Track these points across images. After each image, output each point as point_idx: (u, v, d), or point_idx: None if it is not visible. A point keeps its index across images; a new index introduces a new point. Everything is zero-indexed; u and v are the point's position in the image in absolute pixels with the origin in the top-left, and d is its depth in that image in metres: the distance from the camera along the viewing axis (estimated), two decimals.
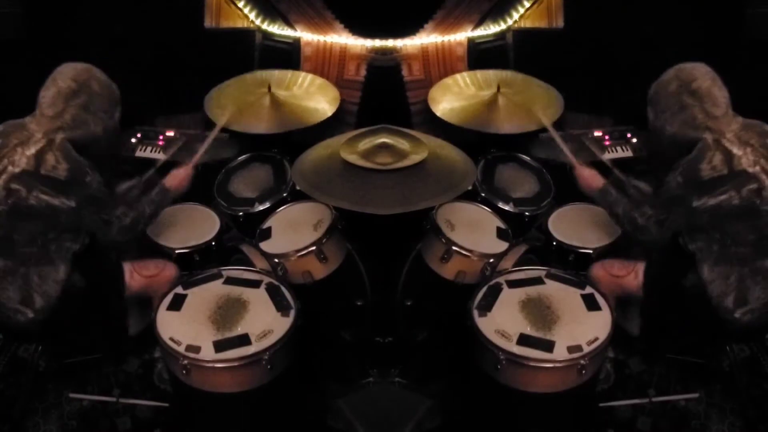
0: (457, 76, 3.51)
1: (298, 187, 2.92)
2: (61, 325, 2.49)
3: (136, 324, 2.82)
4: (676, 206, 2.38)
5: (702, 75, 2.41)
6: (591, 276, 2.61)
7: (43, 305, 2.40)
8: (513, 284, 2.55)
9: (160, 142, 3.41)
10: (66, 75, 2.43)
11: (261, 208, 3.01)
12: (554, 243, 2.80)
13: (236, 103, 3.22)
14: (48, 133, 2.36)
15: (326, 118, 3.20)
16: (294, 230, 2.85)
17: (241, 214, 3.00)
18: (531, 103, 3.23)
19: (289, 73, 3.49)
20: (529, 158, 3.26)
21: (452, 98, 3.34)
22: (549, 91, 3.36)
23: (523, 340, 2.32)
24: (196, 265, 2.74)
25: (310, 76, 3.49)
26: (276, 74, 3.46)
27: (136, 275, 2.57)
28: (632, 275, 2.56)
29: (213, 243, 2.81)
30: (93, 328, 2.79)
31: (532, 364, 2.28)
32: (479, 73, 3.50)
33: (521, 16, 3.67)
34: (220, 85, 3.37)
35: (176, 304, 2.46)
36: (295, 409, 2.59)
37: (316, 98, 3.33)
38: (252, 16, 3.65)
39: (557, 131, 2.95)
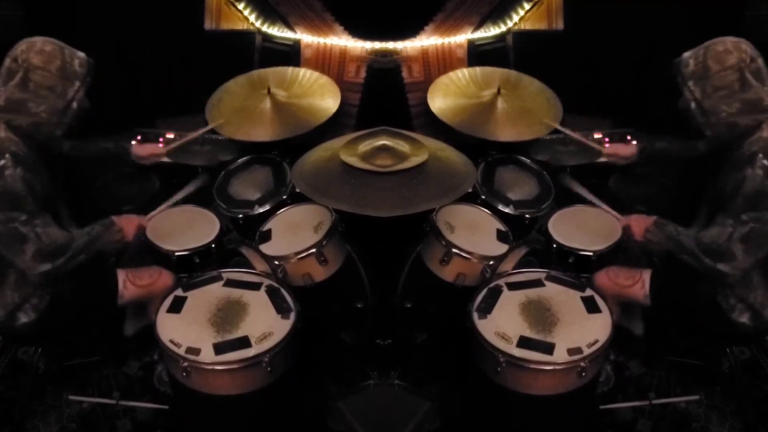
0: (457, 72, 3.50)
1: (297, 189, 2.92)
2: (55, 330, 2.49)
3: (132, 324, 2.82)
4: (760, 206, 2.14)
5: (758, 53, 2.24)
6: (595, 285, 2.58)
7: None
8: (513, 286, 2.55)
9: (160, 144, 3.41)
10: (9, 52, 2.26)
11: (261, 210, 3.01)
12: (554, 245, 2.80)
13: (236, 109, 3.22)
14: None
15: (327, 120, 3.19)
16: (294, 233, 2.85)
17: (240, 216, 3.00)
18: (530, 107, 3.23)
19: (288, 71, 3.48)
20: (529, 160, 3.26)
21: (451, 97, 3.33)
22: (547, 93, 3.36)
23: (523, 342, 2.32)
24: (195, 268, 2.74)
25: (309, 72, 3.48)
26: (276, 72, 3.45)
27: (129, 285, 2.50)
28: (638, 285, 2.51)
29: (213, 245, 2.80)
30: (90, 331, 2.79)
31: (532, 366, 2.28)
32: (479, 70, 3.49)
33: (521, 18, 3.67)
34: (221, 88, 3.36)
35: (176, 306, 2.45)
36: (295, 411, 2.59)
37: (317, 96, 3.32)
38: (252, 18, 3.66)
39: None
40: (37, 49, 2.26)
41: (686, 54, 2.33)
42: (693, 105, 2.29)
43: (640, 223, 2.52)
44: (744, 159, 2.19)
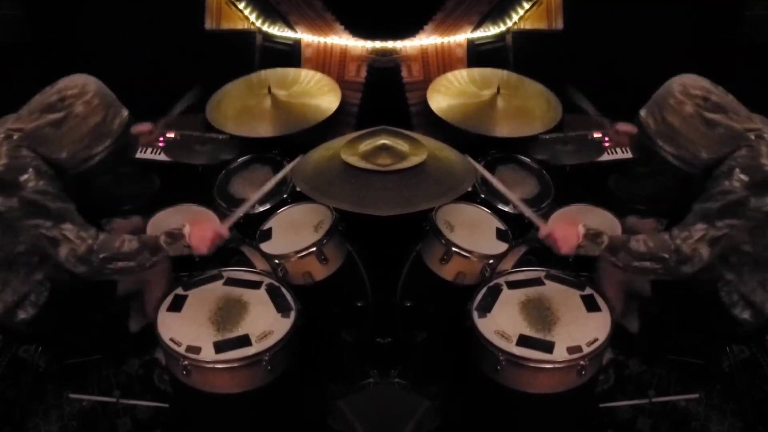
0: (456, 73, 3.50)
1: (298, 188, 2.92)
2: (54, 325, 2.49)
3: (137, 321, 2.82)
4: (736, 215, 2.18)
5: (710, 86, 2.28)
6: (600, 267, 2.55)
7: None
8: (512, 285, 2.55)
9: (161, 144, 3.42)
10: (58, 85, 2.31)
11: (261, 209, 3.01)
12: None
13: (237, 109, 3.22)
14: (9, 131, 2.27)
15: (327, 118, 3.19)
16: (294, 231, 2.86)
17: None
18: (530, 107, 3.23)
19: (290, 72, 3.49)
20: (529, 160, 3.27)
21: (451, 96, 3.34)
22: (547, 93, 3.36)
23: (523, 341, 2.32)
24: (196, 266, 2.74)
25: (311, 73, 3.49)
26: (277, 73, 3.46)
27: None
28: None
29: None
30: (90, 330, 2.79)
31: (531, 365, 2.28)
32: (476, 72, 3.50)
33: (521, 18, 3.68)
34: (222, 88, 3.36)
35: (176, 305, 2.46)
36: (296, 409, 2.60)
37: (317, 96, 3.32)
38: (252, 17, 3.66)
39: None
40: (86, 99, 2.27)
41: (641, 113, 2.36)
42: (671, 159, 2.31)
43: (567, 238, 2.35)
44: (722, 173, 2.23)
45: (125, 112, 2.39)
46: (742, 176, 2.19)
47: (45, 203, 2.23)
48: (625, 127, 2.72)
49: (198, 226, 2.37)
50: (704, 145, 2.25)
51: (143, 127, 2.72)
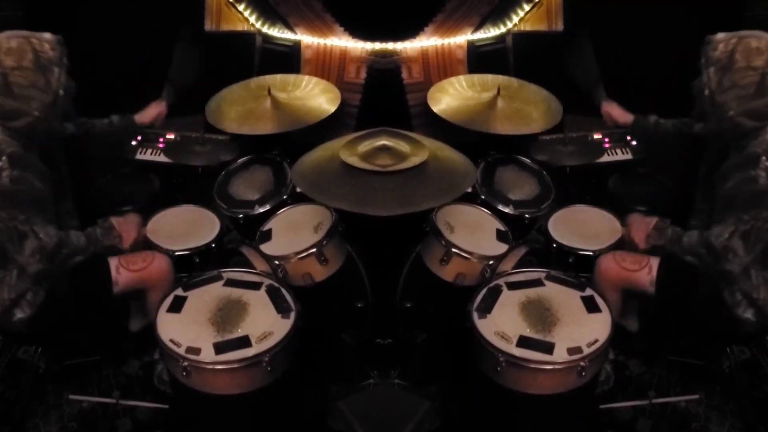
0: (455, 79, 3.50)
1: (298, 189, 2.92)
2: (52, 326, 2.48)
3: (137, 320, 2.82)
4: (761, 206, 2.17)
5: None
6: (599, 268, 2.56)
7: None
8: (513, 286, 2.55)
9: (161, 145, 3.42)
10: None
11: (261, 210, 3.01)
12: (554, 245, 2.80)
13: (237, 109, 3.22)
14: None
15: (326, 118, 3.19)
16: (294, 232, 2.86)
17: (241, 216, 3.01)
18: (529, 110, 3.23)
19: (291, 78, 3.49)
20: (528, 160, 3.27)
21: (451, 98, 3.34)
22: (547, 97, 3.36)
23: (523, 342, 2.32)
24: (196, 267, 2.75)
25: (312, 80, 3.49)
26: (277, 78, 3.46)
27: (123, 270, 2.48)
28: (645, 270, 2.48)
29: (213, 245, 2.81)
30: (89, 330, 2.79)
31: (532, 366, 2.28)
32: (476, 77, 3.50)
33: (521, 19, 3.68)
34: (221, 92, 3.36)
35: (176, 306, 2.46)
36: (296, 410, 2.59)
37: (316, 98, 3.32)
38: (252, 19, 3.66)
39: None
40: (5, 50, 2.21)
41: (718, 36, 2.28)
42: (707, 92, 2.27)
43: (640, 232, 2.53)
44: (749, 160, 2.21)
45: (48, 35, 2.30)
46: None
47: (19, 195, 2.19)
48: (610, 108, 2.81)
49: (125, 224, 2.57)
50: (739, 102, 2.20)
51: (157, 108, 2.88)
